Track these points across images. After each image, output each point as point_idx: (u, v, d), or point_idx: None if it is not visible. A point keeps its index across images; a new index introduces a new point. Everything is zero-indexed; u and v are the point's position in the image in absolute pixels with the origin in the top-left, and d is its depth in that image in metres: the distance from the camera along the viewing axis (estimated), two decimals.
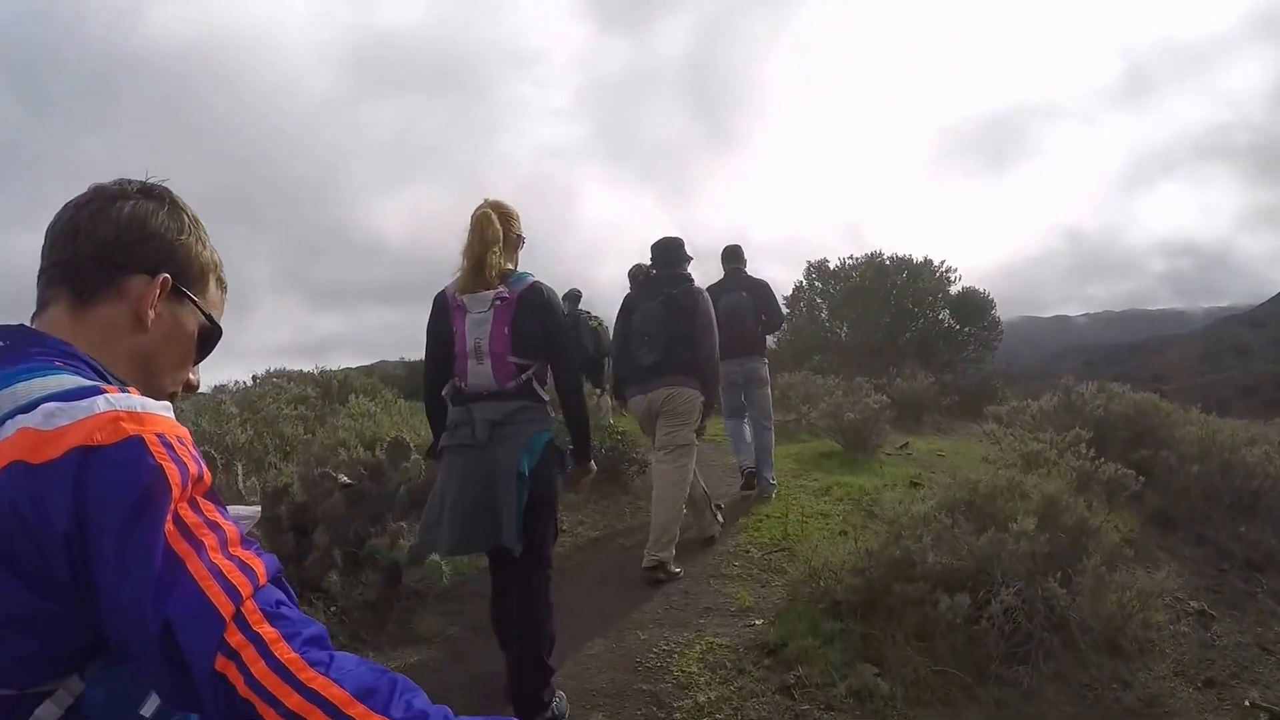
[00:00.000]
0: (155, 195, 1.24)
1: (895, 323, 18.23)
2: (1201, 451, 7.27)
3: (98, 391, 0.99)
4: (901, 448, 9.88)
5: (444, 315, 3.72)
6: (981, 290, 18.68)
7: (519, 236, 3.81)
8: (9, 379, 1.00)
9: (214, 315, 1.30)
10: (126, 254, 1.18)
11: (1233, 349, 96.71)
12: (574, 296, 12.65)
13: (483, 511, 3.52)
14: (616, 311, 6.54)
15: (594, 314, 12.56)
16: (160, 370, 1.24)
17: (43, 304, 1.18)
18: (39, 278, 1.19)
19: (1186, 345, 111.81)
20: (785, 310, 20.58)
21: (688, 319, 5.88)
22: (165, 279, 1.20)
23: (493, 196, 3.80)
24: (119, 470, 0.94)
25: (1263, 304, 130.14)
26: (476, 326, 3.59)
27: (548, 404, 3.73)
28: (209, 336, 1.31)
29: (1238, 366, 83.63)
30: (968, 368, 17.52)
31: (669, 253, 6.19)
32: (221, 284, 1.33)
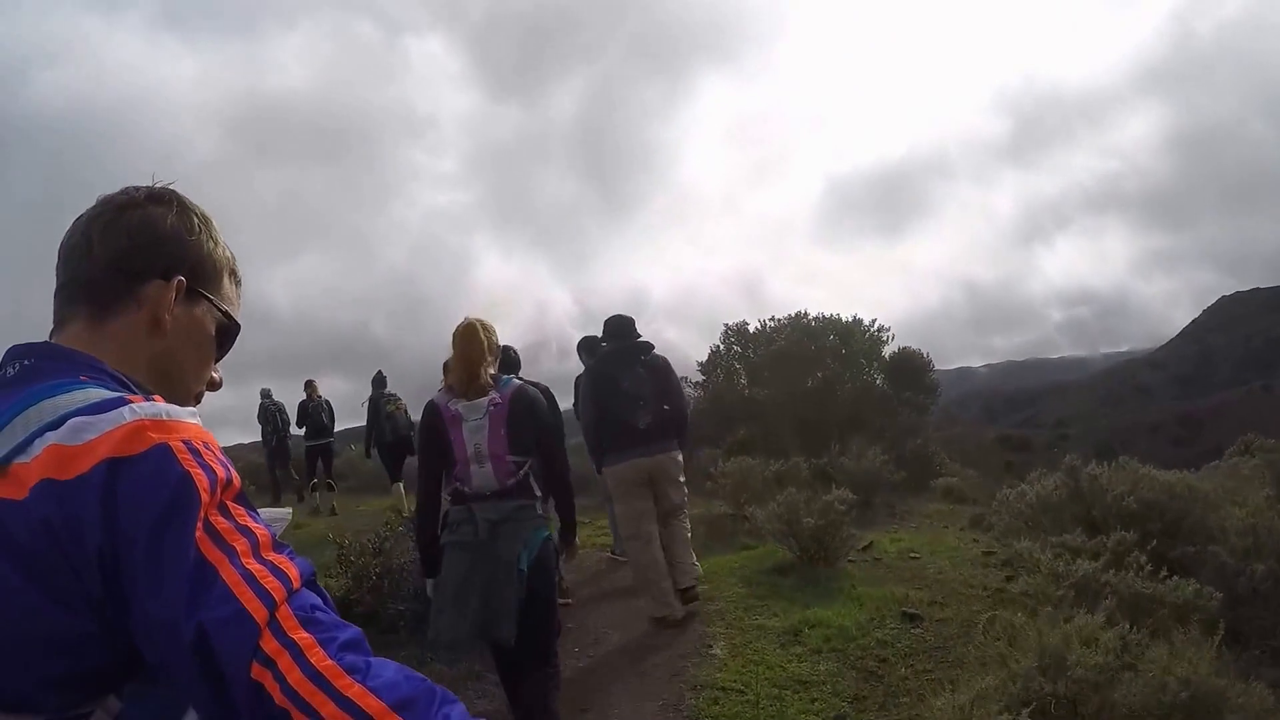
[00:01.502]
0: (163, 200, 1.22)
1: (824, 389, 16.39)
2: (1256, 543, 5.61)
3: (123, 402, 0.99)
4: (865, 549, 8.01)
5: (438, 425, 3.87)
6: (918, 349, 17.03)
7: (499, 346, 4.06)
8: (37, 396, 1.00)
9: (231, 311, 1.28)
10: (140, 262, 1.17)
11: (1134, 390, 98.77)
12: (380, 380, 12.75)
13: (481, 606, 3.66)
14: (582, 380, 7.16)
15: (395, 396, 12.67)
16: (183, 373, 1.23)
17: (61, 321, 1.17)
18: (55, 296, 1.18)
19: (1088, 390, 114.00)
20: (702, 377, 19.02)
21: (666, 381, 6.53)
22: (180, 281, 1.19)
23: (474, 314, 4.06)
24: (147, 480, 0.94)
25: (1160, 346, 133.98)
26: (475, 432, 3.80)
27: (540, 500, 3.91)
28: (228, 333, 1.29)
29: (1139, 407, 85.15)
30: (904, 436, 15.63)
31: (625, 328, 6.66)
32: (236, 279, 1.31)
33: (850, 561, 7.41)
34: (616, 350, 6.51)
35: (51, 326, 1.18)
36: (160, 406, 1.01)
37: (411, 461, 12.85)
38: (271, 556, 0.98)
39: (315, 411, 14.30)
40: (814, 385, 16.59)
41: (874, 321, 17.45)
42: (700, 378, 18.49)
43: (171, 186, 1.25)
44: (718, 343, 18.45)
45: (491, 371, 3.94)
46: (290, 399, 15.01)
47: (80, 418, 0.96)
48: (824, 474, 11.22)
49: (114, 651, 0.93)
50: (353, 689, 0.90)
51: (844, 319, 17.49)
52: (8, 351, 1.10)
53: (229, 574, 0.92)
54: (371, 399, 12.69)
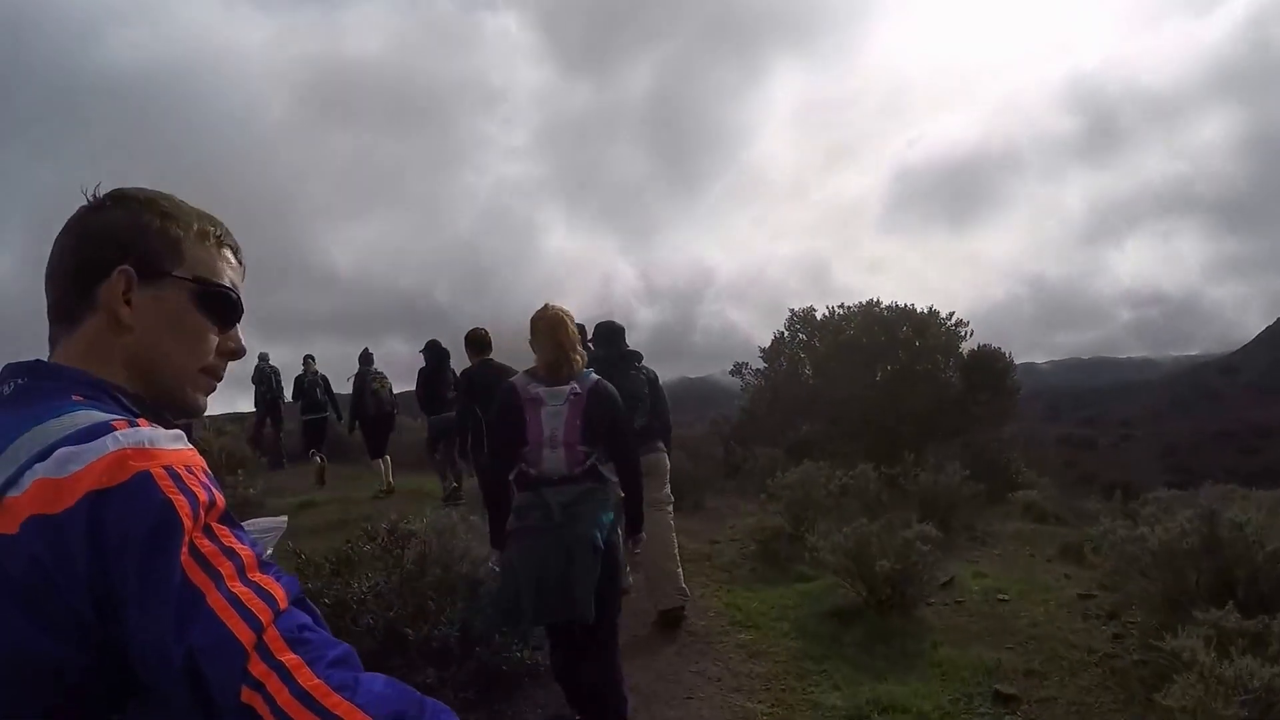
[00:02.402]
0: (105, 204, 1.21)
1: (895, 384, 15.21)
2: None
3: (107, 429, 1.00)
4: (945, 586, 6.99)
5: (515, 407, 3.97)
6: (998, 347, 15.72)
7: (578, 338, 4.16)
8: (29, 421, 1.02)
9: (207, 275, 1.23)
10: (89, 270, 1.17)
11: (1203, 395, 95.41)
12: (366, 357, 12.87)
13: (559, 587, 3.73)
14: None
15: (381, 374, 12.87)
16: (167, 360, 1.20)
17: (50, 342, 1.19)
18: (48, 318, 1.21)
19: (1155, 391, 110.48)
20: (763, 364, 18.02)
21: (655, 394, 6.73)
22: (123, 270, 1.16)
23: (555, 302, 4.17)
24: (130, 509, 0.94)
25: (1233, 352, 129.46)
26: (552, 418, 3.92)
27: (610, 484, 4.01)
28: (216, 299, 1.24)
29: (1208, 412, 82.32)
30: (981, 443, 14.33)
31: (615, 334, 6.86)
32: (209, 240, 1.25)
33: (929, 604, 6.37)
34: (610, 356, 6.66)
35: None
36: (144, 433, 1.01)
37: (394, 438, 13.53)
38: (258, 578, 0.98)
39: (310, 387, 14.68)
40: (883, 379, 15.45)
41: (951, 314, 15.95)
42: (761, 365, 17.46)
43: (122, 187, 1.24)
44: (782, 329, 17.34)
45: (577, 360, 4.07)
46: (348, 358, 15.36)
47: (66, 448, 0.97)
48: (895, 485, 10.21)
49: (112, 679, 0.94)
50: (341, 706, 0.92)
51: (919, 309, 16.01)
52: (3, 370, 1.13)
53: (215, 599, 0.93)
54: (357, 375, 12.95)
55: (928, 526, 6.44)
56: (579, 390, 3.97)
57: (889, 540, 6.08)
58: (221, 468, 12.24)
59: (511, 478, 4.02)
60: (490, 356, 8.30)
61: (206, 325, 1.24)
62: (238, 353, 1.30)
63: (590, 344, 7.00)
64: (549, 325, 4.04)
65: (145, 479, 0.96)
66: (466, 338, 8.42)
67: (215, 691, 0.90)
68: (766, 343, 17.56)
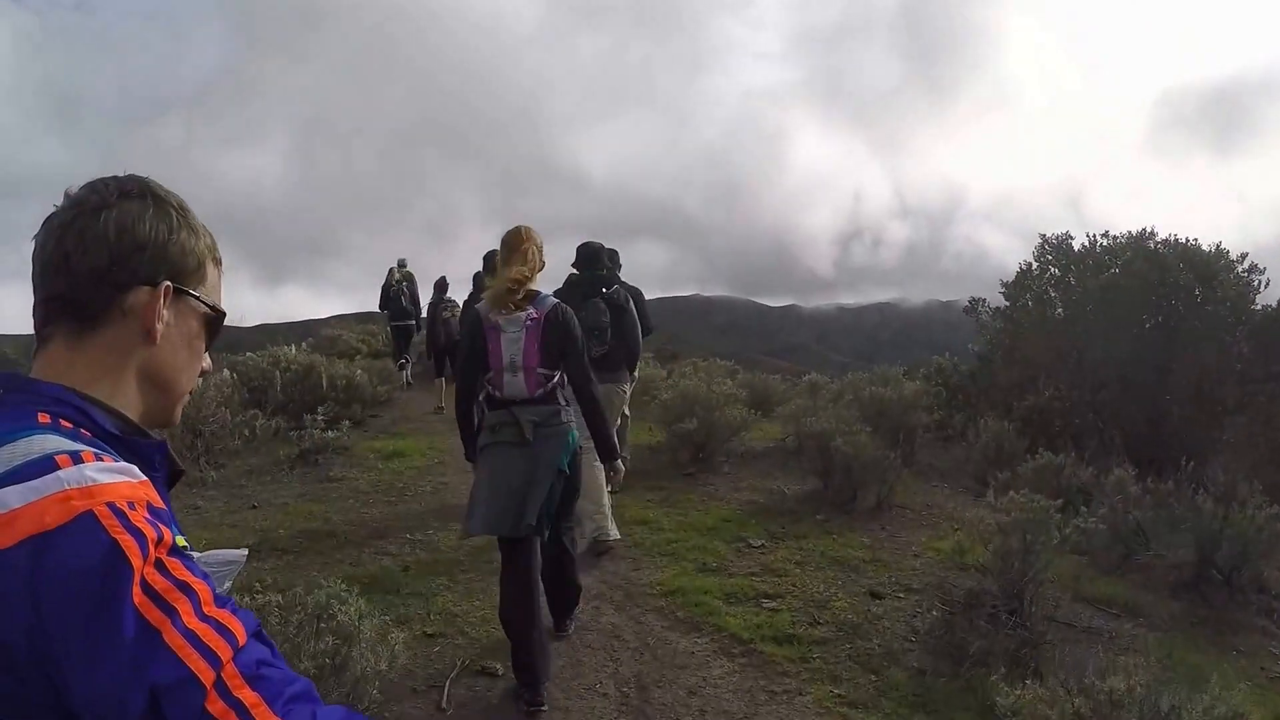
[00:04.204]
0: (136, 195, 1.17)
1: (1165, 346, 11.83)
2: None
3: (51, 466, 0.97)
4: None
5: (479, 332, 4.28)
6: None
7: (542, 262, 4.44)
8: None
9: (216, 303, 1.26)
10: (123, 271, 1.13)
11: None
12: (441, 285, 13.48)
13: (517, 500, 4.09)
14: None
15: (453, 302, 13.37)
16: (177, 376, 1.23)
17: (42, 339, 1.16)
18: (34, 313, 1.17)
19: None
20: (1005, 304, 14.83)
21: (620, 316, 6.78)
22: (167, 287, 1.17)
23: (528, 225, 4.43)
24: (73, 552, 0.92)
25: None
26: (511, 344, 4.21)
27: (565, 408, 4.36)
28: (215, 324, 1.27)
29: None
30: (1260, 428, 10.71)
31: (594, 257, 6.98)
32: (218, 263, 1.28)
33: None
34: (580, 281, 6.85)
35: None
36: (88, 469, 0.98)
37: None
38: (214, 613, 0.97)
39: (396, 296, 15.27)
40: (1151, 332, 12.14)
41: (1244, 257, 12.19)
42: (1003, 303, 14.46)
43: (142, 176, 1.21)
44: (1030, 259, 14.24)
45: (531, 287, 4.33)
46: None
47: (9, 487, 0.95)
48: (1163, 503, 7.54)
49: (49, 709, 0.91)
50: None
51: (1204, 247, 12.33)
52: None
53: (172, 637, 0.92)
54: (431, 303, 13.81)
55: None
56: (535, 316, 4.23)
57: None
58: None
59: (482, 398, 4.39)
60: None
61: (202, 347, 1.26)
62: (209, 370, 1.31)
63: (574, 266, 7.04)
64: (511, 248, 4.35)
65: (89, 520, 0.94)
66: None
67: None
68: (1013, 274, 14.53)
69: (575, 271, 6.97)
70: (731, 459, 9.77)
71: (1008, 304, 14.46)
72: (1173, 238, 12.99)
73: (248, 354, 12.27)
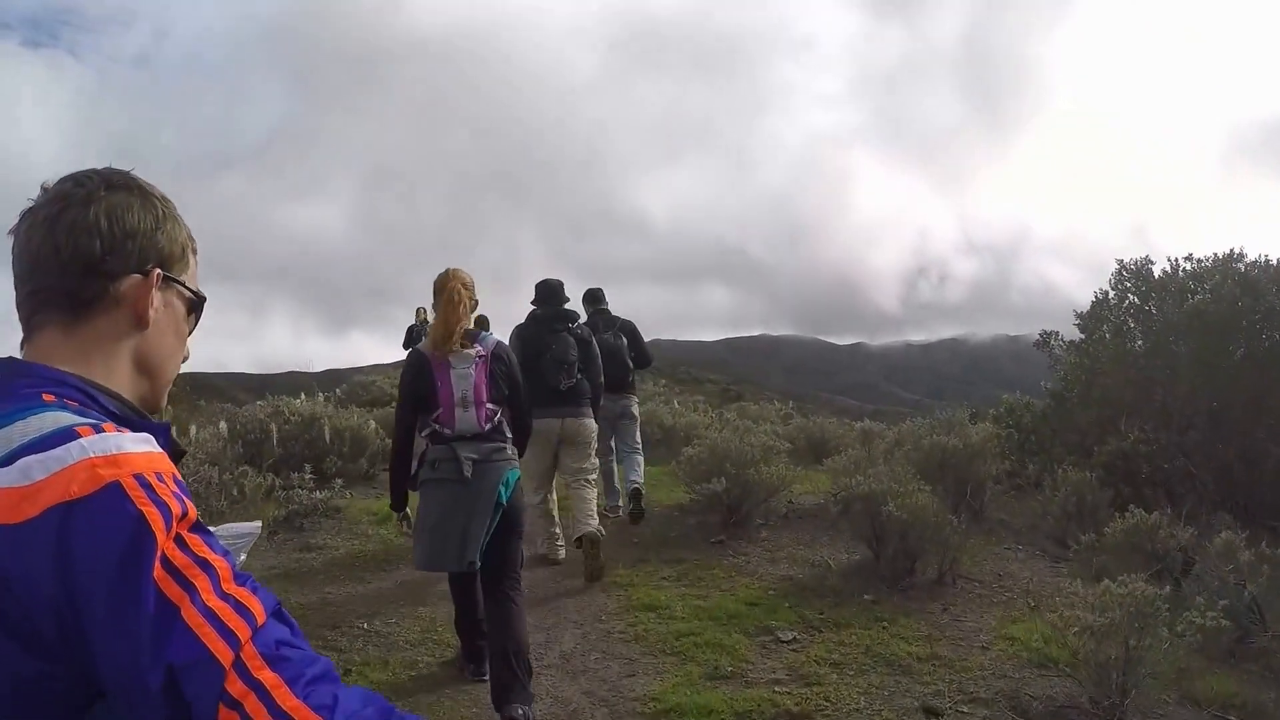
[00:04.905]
0: (122, 186, 1.20)
1: (1256, 375, 10.45)
2: None
3: (73, 435, 0.97)
4: None
5: (425, 371, 4.38)
6: None
7: (475, 301, 4.57)
8: None
9: (198, 289, 1.29)
10: (115, 260, 1.16)
11: None
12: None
13: (458, 537, 4.18)
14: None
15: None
16: (165, 361, 1.25)
17: (31, 329, 1.17)
18: (20, 306, 1.18)
19: None
20: (1079, 335, 13.46)
21: (586, 350, 6.99)
22: (158, 274, 1.20)
23: (455, 267, 4.59)
24: (99, 523, 0.92)
25: None
26: (462, 380, 4.32)
27: (510, 443, 4.49)
28: (197, 309, 1.30)
29: None
30: None
31: (554, 292, 7.14)
32: (195, 253, 1.31)
33: None
34: (545, 315, 7.02)
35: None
36: (110, 439, 0.99)
37: None
38: (234, 590, 0.97)
39: (419, 337, 14.31)
40: (1241, 360, 10.77)
41: None
42: (1078, 335, 13.10)
43: (123, 169, 1.24)
44: (1106, 288, 12.87)
45: (468, 326, 4.49)
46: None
47: (30, 456, 0.95)
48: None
49: (79, 686, 0.93)
50: None
51: None
52: None
53: (191, 615, 0.92)
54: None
55: None
56: (483, 353, 4.43)
57: None
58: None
59: (424, 434, 4.40)
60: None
61: (186, 332, 1.28)
62: (188, 357, 1.31)
63: (533, 303, 7.19)
64: (444, 297, 4.45)
65: (116, 490, 0.94)
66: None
67: (192, 711, 0.89)
68: (1087, 304, 13.19)
69: (535, 308, 7.14)
70: (771, 520, 8.42)
71: (1083, 337, 13.11)
72: (1264, 259, 11.65)
73: (244, 405, 11.43)
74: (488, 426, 4.32)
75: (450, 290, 4.43)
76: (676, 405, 17.21)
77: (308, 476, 9.06)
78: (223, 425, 10.64)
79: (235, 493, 8.97)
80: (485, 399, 4.34)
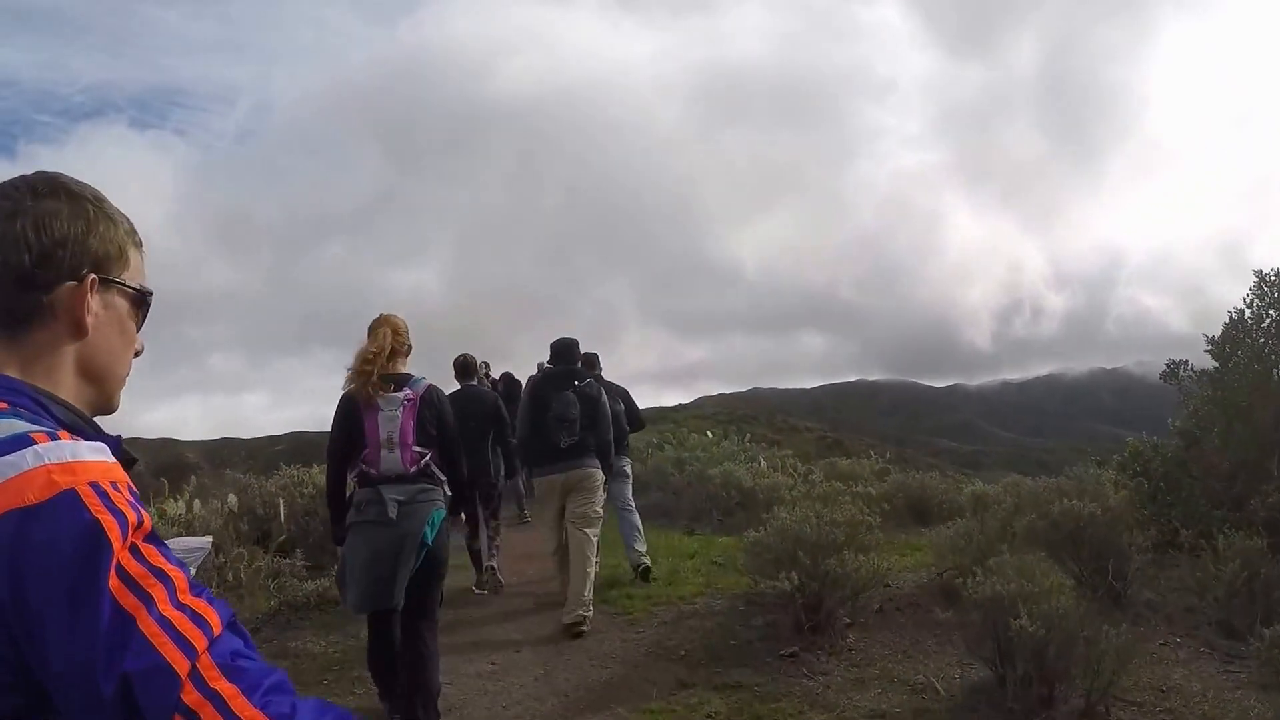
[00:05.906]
0: (48, 193, 1.14)
1: None
2: None
3: (28, 442, 0.95)
4: None
5: (354, 413, 4.40)
6: None
7: (408, 346, 4.64)
8: None
9: (141, 285, 1.22)
10: (46, 272, 1.11)
11: None
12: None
13: (387, 578, 4.22)
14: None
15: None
16: (113, 364, 1.20)
17: None
18: None
19: None
20: (1212, 362, 11.56)
21: (593, 408, 6.94)
22: (92, 279, 1.14)
23: (389, 313, 4.63)
24: (55, 530, 0.90)
25: None
26: (389, 422, 4.35)
27: (443, 484, 4.54)
28: (142, 304, 1.24)
29: None
30: None
31: (568, 351, 7.24)
32: (138, 246, 1.24)
33: None
34: (553, 374, 7.14)
35: None
36: (66, 446, 0.97)
37: None
38: (190, 601, 0.95)
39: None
40: None
41: None
42: (1210, 362, 11.20)
43: (51, 172, 1.17)
44: (1241, 305, 10.98)
45: (401, 370, 4.54)
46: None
47: None
48: None
49: (29, 696, 0.91)
50: None
51: None
52: None
53: (147, 624, 0.90)
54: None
55: None
56: (411, 396, 4.43)
57: None
58: None
59: (353, 476, 4.43)
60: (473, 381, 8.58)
61: (134, 331, 1.23)
62: (140, 353, 1.26)
63: (548, 362, 7.42)
64: (374, 340, 4.49)
65: (71, 498, 0.92)
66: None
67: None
68: (1184, 330, 11.30)
69: (549, 365, 7.33)
70: (861, 617, 6.43)
71: (1216, 365, 11.20)
72: None
73: (260, 476, 10.30)
74: (413, 469, 4.38)
75: (379, 335, 4.49)
76: (763, 464, 14.80)
77: (299, 564, 7.79)
78: (231, 499, 9.54)
79: (231, 578, 7.79)
80: (411, 441, 4.39)
